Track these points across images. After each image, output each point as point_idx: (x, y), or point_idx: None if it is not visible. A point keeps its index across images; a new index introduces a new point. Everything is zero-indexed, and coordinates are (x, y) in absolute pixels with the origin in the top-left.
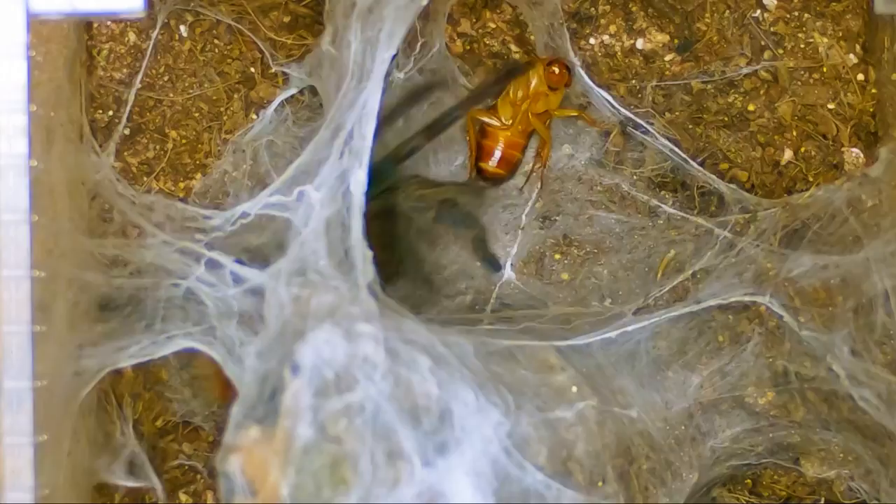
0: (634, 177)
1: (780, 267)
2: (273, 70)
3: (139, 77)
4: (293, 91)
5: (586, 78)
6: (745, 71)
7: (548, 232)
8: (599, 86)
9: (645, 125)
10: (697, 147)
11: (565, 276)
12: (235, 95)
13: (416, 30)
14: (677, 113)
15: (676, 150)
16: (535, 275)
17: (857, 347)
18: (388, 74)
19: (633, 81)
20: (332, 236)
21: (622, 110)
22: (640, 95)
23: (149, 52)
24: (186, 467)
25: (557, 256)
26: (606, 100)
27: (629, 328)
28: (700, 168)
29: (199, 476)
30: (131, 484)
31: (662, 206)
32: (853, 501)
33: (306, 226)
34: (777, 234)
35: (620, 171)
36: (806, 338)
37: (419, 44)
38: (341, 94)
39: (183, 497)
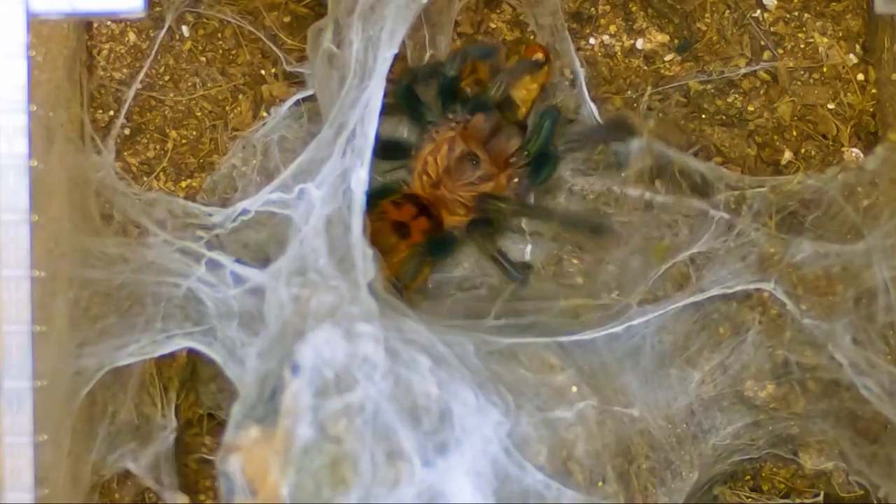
0: (623, 175)
1: (783, 252)
2: (275, 70)
3: (140, 76)
4: (312, 91)
5: (585, 90)
6: (744, 71)
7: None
8: (593, 99)
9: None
10: (689, 142)
11: (580, 279)
12: (241, 96)
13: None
14: (672, 115)
15: (665, 150)
16: (553, 277)
17: (858, 336)
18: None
19: (629, 93)
20: (332, 234)
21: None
22: (635, 105)
23: (153, 52)
24: (208, 463)
25: (575, 261)
26: (594, 116)
27: (634, 322)
28: (683, 154)
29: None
30: (151, 483)
31: (657, 197)
32: (851, 494)
33: (307, 223)
34: (772, 217)
35: (609, 175)
36: (807, 326)
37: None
38: (343, 93)
39: (200, 496)
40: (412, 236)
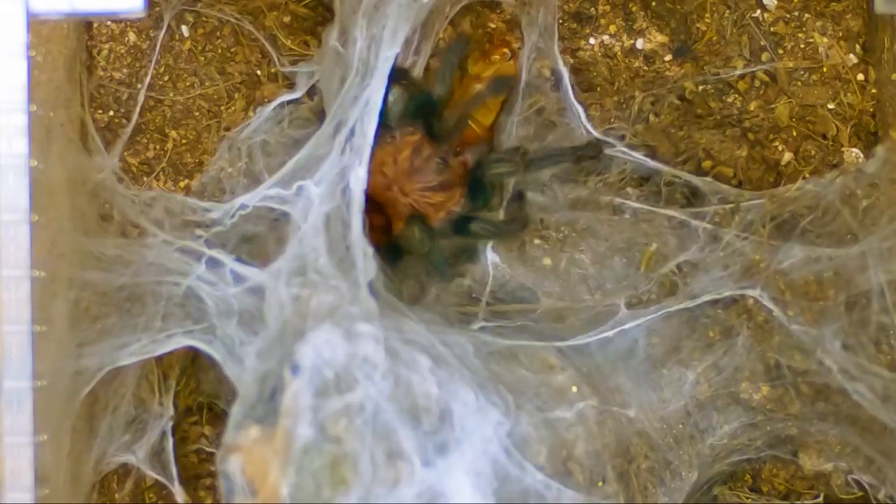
0: (600, 184)
1: (770, 259)
2: (275, 70)
3: (148, 77)
4: (297, 94)
5: (570, 93)
6: (744, 71)
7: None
8: (579, 101)
9: (613, 142)
10: (679, 149)
11: (548, 261)
12: (237, 95)
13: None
14: (664, 115)
15: (650, 160)
16: (518, 260)
17: (849, 342)
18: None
19: (617, 92)
20: (332, 233)
21: (594, 133)
22: (625, 102)
23: (156, 52)
24: (204, 454)
25: (537, 241)
26: (581, 120)
27: (626, 326)
28: (669, 167)
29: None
30: (149, 472)
31: (627, 202)
32: (851, 496)
33: (305, 221)
34: (766, 225)
35: (585, 184)
36: (796, 332)
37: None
38: (344, 91)
39: (200, 493)
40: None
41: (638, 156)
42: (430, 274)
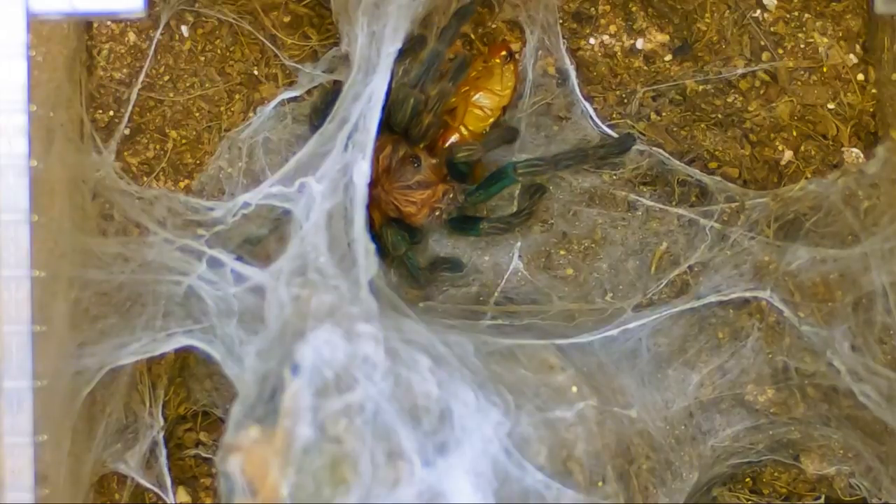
0: (614, 177)
1: (779, 260)
2: (275, 70)
3: (141, 76)
4: (297, 93)
5: (577, 89)
6: (744, 71)
7: (550, 234)
8: (586, 98)
9: (637, 135)
10: (683, 149)
11: (570, 271)
12: (237, 96)
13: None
14: (665, 114)
15: (661, 151)
16: (543, 269)
17: (856, 343)
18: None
19: (618, 91)
20: (333, 229)
21: (603, 127)
22: (626, 101)
23: (151, 52)
24: (201, 459)
25: (562, 252)
26: (589, 115)
27: (630, 325)
28: (681, 163)
29: (212, 468)
30: (141, 480)
31: (641, 199)
32: (853, 498)
33: (307, 219)
34: (771, 225)
35: (599, 175)
36: (806, 333)
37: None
38: (347, 87)
39: (200, 494)
40: None
41: (661, 152)
42: (408, 277)
